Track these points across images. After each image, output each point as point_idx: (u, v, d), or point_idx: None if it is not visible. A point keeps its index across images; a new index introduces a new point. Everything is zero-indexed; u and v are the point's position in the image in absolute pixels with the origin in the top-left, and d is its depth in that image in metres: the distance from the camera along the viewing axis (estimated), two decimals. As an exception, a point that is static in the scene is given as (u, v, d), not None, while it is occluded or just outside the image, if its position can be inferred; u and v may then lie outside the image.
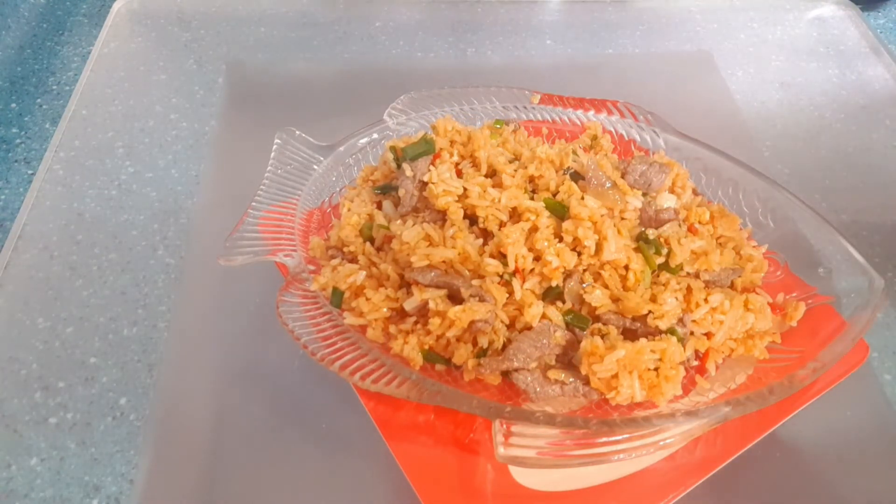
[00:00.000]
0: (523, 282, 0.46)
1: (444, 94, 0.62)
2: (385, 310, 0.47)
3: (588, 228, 0.46)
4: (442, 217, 0.49)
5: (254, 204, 0.52)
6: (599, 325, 0.45)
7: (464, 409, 0.40)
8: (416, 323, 0.46)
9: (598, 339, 0.43)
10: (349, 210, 0.52)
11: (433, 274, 0.46)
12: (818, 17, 0.95)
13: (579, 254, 0.46)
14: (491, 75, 0.85)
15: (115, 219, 0.64)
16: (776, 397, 0.41)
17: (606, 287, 0.46)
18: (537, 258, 0.46)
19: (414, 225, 0.48)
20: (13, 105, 1.52)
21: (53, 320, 0.56)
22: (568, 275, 0.47)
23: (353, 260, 0.50)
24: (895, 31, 1.86)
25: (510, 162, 0.52)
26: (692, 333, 0.46)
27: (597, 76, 0.85)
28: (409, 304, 0.46)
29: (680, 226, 0.50)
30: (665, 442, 0.39)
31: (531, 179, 0.51)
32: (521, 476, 0.43)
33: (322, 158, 0.57)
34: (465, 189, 0.49)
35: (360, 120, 0.59)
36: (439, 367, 0.45)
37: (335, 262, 0.50)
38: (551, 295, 0.46)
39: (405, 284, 0.48)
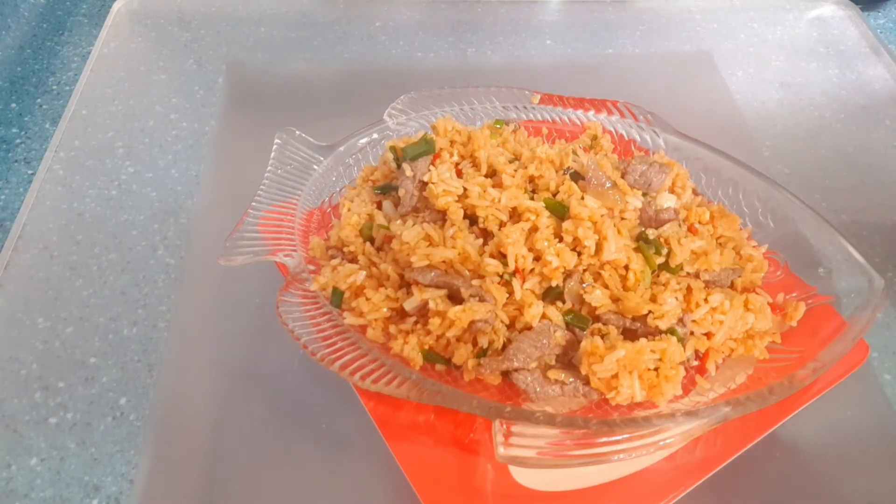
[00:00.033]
0: (523, 282, 0.46)
1: (444, 94, 0.62)
2: (385, 310, 0.47)
3: (588, 228, 0.46)
4: (442, 217, 0.49)
5: (254, 204, 0.52)
6: (599, 325, 0.45)
7: (464, 409, 0.40)
8: (416, 323, 0.46)
9: (598, 339, 0.43)
10: (349, 210, 0.52)
11: (433, 274, 0.46)
12: (818, 17, 0.95)
13: (579, 254, 0.46)
14: (491, 75, 0.85)
15: (115, 219, 0.64)
16: (776, 397, 0.41)
17: (606, 287, 0.46)
18: (537, 258, 0.46)
19: (414, 225, 0.48)
20: (13, 105, 1.52)
21: (53, 320, 0.56)
22: (568, 275, 0.47)
23: (353, 260, 0.50)
24: (895, 31, 1.86)
25: (510, 162, 0.52)
26: (692, 333, 0.46)
27: (597, 76, 0.85)
28: (409, 304, 0.46)
29: (680, 226, 0.50)
30: (665, 442, 0.39)
31: (531, 179, 0.51)
32: (521, 476, 0.43)
33: (322, 158, 0.57)
34: (465, 189, 0.49)
35: (360, 120, 0.59)
36: (439, 367, 0.45)
37: (335, 262, 0.50)
38: (551, 295, 0.46)
39: (405, 284, 0.48)
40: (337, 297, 0.47)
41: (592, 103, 0.62)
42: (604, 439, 0.39)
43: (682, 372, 0.43)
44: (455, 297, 0.46)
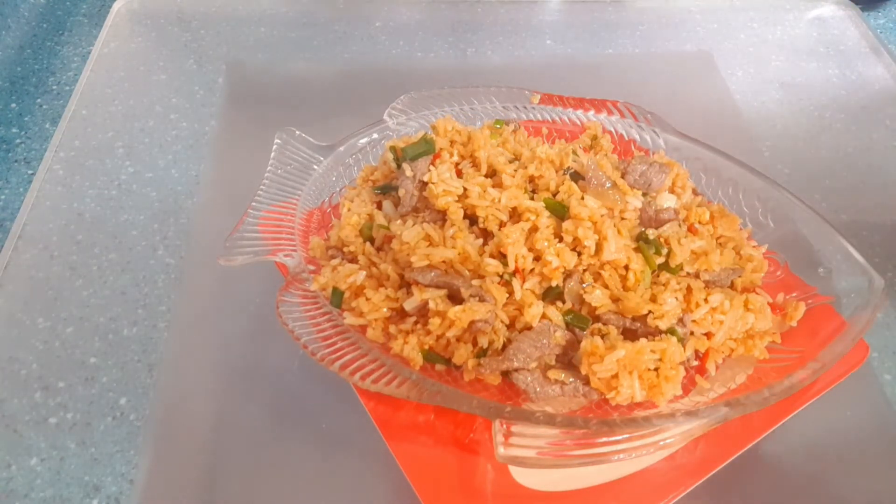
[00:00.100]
0: (523, 282, 0.46)
1: (444, 94, 0.62)
2: (385, 310, 0.47)
3: (588, 228, 0.46)
4: (442, 217, 0.49)
5: (254, 204, 0.52)
6: (599, 325, 0.45)
7: (464, 409, 0.40)
8: (416, 323, 0.46)
9: (598, 339, 0.43)
10: (349, 210, 0.52)
11: (433, 274, 0.46)
12: (818, 17, 0.95)
13: (579, 254, 0.46)
14: (491, 75, 0.85)
15: (115, 219, 0.64)
16: (776, 397, 0.41)
17: (606, 287, 0.46)
18: (537, 258, 0.46)
19: (414, 225, 0.48)
20: (13, 105, 1.52)
21: (53, 320, 0.56)
22: (568, 275, 0.47)
23: (353, 260, 0.50)
24: (895, 31, 1.86)
25: (510, 162, 0.52)
26: (692, 333, 0.46)
27: (597, 76, 0.85)
28: (409, 304, 0.46)
29: (680, 226, 0.50)
30: (665, 442, 0.39)
31: (531, 179, 0.51)
32: (521, 476, 0.43)
33: (322, 158, 0.57)
34: (465, 189, 0.49)
35: (360, 120, 0.59)
36: (439, 367, 0.45)
37: (335, 262, 0.50)
38: (551, 295, 0.46)
39: (405, 284, 0.48)
40: (337, 297, 0.47)
41: (592, 103, 0.62)
42: (604, 439, 0.39)
43: (682, 372, 0.43)
44: (455, 297, 0.46)
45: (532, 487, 0.43)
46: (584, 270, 0.47)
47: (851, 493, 0.48)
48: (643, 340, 0.43)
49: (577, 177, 0.50)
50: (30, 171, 1.39)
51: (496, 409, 0.40)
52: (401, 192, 0.51)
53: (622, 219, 0.49)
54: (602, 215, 0.47)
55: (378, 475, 0.47)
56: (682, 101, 0.80)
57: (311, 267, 0.50)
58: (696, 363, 0.46)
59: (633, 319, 0.45)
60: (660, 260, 0.48)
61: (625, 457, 0.39)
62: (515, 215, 0.48)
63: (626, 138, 0.60)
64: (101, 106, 0.76)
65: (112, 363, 0.54)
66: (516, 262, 0.46)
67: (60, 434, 0.50)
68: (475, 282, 0.46)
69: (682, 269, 0.48)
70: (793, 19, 0.95)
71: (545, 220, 0.47)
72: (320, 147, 0.57)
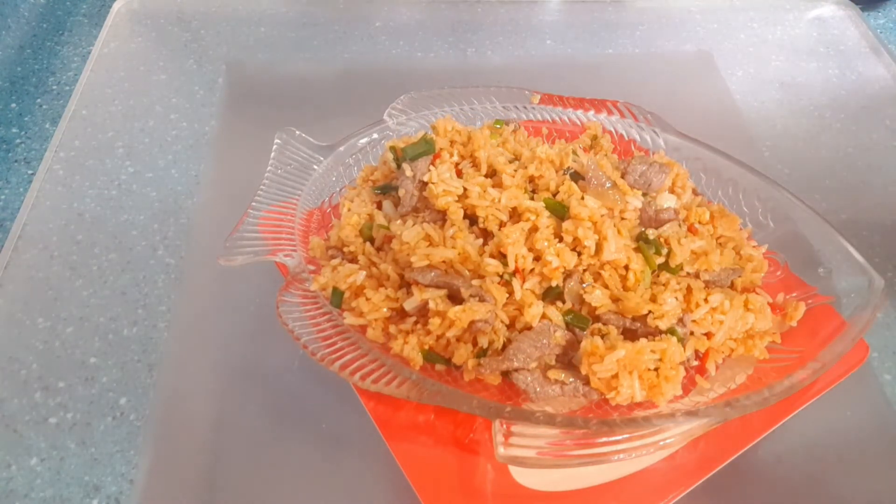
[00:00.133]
0: (523, 282, 0.46)
1: (444, 94, 0.62)
2: (385, 310, 0.47)
3: (588, 228, 0.46)
4: (442, 217, 0.49)
5: (254, 204, 0.52)
6: (599, 325, 0.45)
7: (464, 409, 0.40)
8: (416, 323, 0.46)
9: (598, 339, 0.43)
10: (349, 210, 0.52)
11: (433, 274, 0.46)
12: (818, 17, 0.95)
13: (579, 254, 0.46)
14: (491, 75, 0.85)
15: (115, 219, 0.64)
16: (776, 397, 0.41)
17: (606, 287, 0.46)
18: (537, 258, 0.46)
19: (414, 225, 0.48)
20: (13, 105, 1.52)
21: (53, 320, 0.56)
22: (568, 275, 0.47)
23: (353, 260, 0.50)
24: (895, 31, 1.86)
25: (510, 162, 0.52)
26: (692, 333, 0.46)
27: (597, 76, 0.85)
28: (409, 304, 0.46)
29: (680, 226, 0.50)
30: (665, 442, 0.39)
31: (531, 179, 0.51)
32: (521, 476, 0.43)
33: (322, 158, 0.57)
34: (465, 189, 0.49)
35: (360, 120, 0.59)
36: (439, 367, 0.45)
37: (335, 262, 0.50)
38: (551, 295, 0.46)
39: (405, 284, 0.48)
40: (337, 297, 0.47)
41: (592, 103, 0.62)
42: (604, 439, 0.39)
43: (682, 372, 0.43)
44: (455, 297, 0.46)
45: (532, 487, 0.43)
46: (584, 270, 0.47)
47: (851, 493, 0.48)
48: (643, 340, 0.43)
49: (577, 177, 0.50)
50: (30, 171, 1.39)
51: (496, 409, 0.40)
52: (401, 192, 0.51)
53: (622, 219, 0.49)
54: (602, 215, 0.47)
55: (378, 475, 0.47)
56: (682, 101, 0.80)
57: (311, 267, 0.50)
58: (696, 363, 0.46)
59: (633, 319, 0.45)
60: (660, 260, 0.48)
61: (625, 457, 0.39)
62: (515, 215, 0.48)
63: (626, 138, 0.60)
64: (101, 106, 0.76)
65: (112, 363, 0.54)
66: (516, 262, 0.46)
67: (60, 434, 0.50)
68: (475, 282, 0.46)
69: (682, 269, 0.48)
70: (793, 19, 0.95)
71: (545, 220, 0.47)
72: (320, 147, 0.57)
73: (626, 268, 0.47)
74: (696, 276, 0.48)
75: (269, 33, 0.88)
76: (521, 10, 0.94)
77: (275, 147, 0.56)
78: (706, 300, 0.46)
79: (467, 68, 0.85)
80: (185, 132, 0.73)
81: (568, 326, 0.45)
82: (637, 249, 0.48)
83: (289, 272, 0.49)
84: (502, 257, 0.46)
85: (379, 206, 0.53)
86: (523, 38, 0.90)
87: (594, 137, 0.59)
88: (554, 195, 0.49)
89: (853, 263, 0.49)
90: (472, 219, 0.49)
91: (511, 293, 0.45)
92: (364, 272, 0.48)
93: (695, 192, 0.55)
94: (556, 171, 0.51)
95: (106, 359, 0.54)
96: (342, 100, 0.78)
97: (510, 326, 0.45)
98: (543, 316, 0.45)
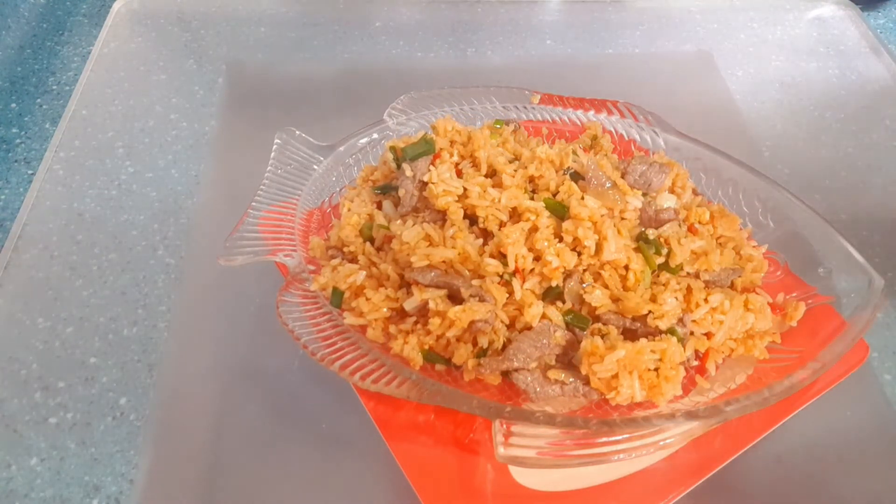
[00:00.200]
0: (523, 282, 0.46)
1: (444, 94, 0.62)
2: (385, 310, 0.47)
3: (588, 228, 0.46)
4: (442, 217, 0.49)
5: (254, 204, 0.52)
6: (599, 325, 0.45)
7: (464, 409, 0.40)
8: (416, 323, 0.46)
9: (598, 339, 0.43)
10: (349, 210, 0.52)
11: (433, 274, 0.46)
12: (818, 17, 0.95)
13: (579, 254, 0.46)
14: (491, 75, 0.85)
15: (115, 219, 0.64)
16: (776, 397, 0.41)
17: (606, 287, 0.46)
18: (537, 258, 0.46)
19: (414, 225, 0.48)
20: (13, 105, 1.52)
21: (53, 320, 0.56)
22: (568, 275, 0.47)
23: (353, 260, 0.50)
24: (895, 31, 1.86)
25: (510, 162, 0.52)
26: (692, 333, 0.46)
27: (597, 76, 0.85)
28: (409, 304, 0.46)
29: (680, 226, 0.50)
30: (665, 442, 0.39)
31: (531, 179, 0.51)
32: (521, 476, 0.43)
33: (322, 158, 0.57)
34: (465, 189, 0.49)
35: (360, 120, 0.59)
36: (439, 367, 0.45)
37: (335, 262, 0.50)
38: (551, 295, 0.46)
39: (405, 284, 0.48)
40: (337, 297, 0.47)
41: (592, 103, 0.62)
42: (604, 439, 0.39)
43: (682, 372, 0.43)
44: (455, 297, 0.46)
45: (532, 487, 0.43)
46: (584, 270, 0.47)
47: (851, 493, 0.48)
48: (643, 340, 0.43)
49: (577, 177, 0.50)
50: (30, 171, 1.39)
51: (496, 409, 0.40)
52: (401, 192, 0.51)
53: (622, 219, 0.49)
54: (602, 215, 0.47)
55: (378, 475, 0.47)
56: (682, 101, 0.80)
57: (311, 267, 0.50)
58: (696, 363, 0.46)
59: (633, 319, 0.45)
60: (660, 260, 0.48)
61: (625, 457, 0.39)
62: (515, 215, 0.48)
63: (626, 138, 0.60)
64: (101, 106, 0.76)
65: (112, 363, 0.53)
66: (516, 262, 0.46)
67: (60, 434, 0.50)
68: (475, 282, 0.46)
69: (682, 269, 0.48)
70: (793, 19, 0.95)
71: (545, 220, 0.47)
72: (320, 147, 0.57)
73: (626, 268, 0.47)
74: (696, 276, 0.48)
75: (269, 33, 0.88)
76: (521, 10, 0.94)
77: (275, 147, 0.56)
78: (706, 300, 0.46)
79: (467, 68, 0.85)
80: (185, 132, 0.73)
81: (568, 326, 0.45)
82: (637, 249, 0.48)
83: (289, 272, 0.49)
84: (502, 257, 0.46)
85: (379, 206, 0.53)
86: (523, 38, 0.90)
87: (594, 137, 0.59)
88: (554, 195, 0.49)
89: (853, 263, 0.49)
90: (472, 219, 0.49)
91: (511, 293, 0.45)
92: (364, 272, 0.48)
93: (695, 192, 0.55)
94: (556, 171, 0.51)
95: (106, 359, 0.54)
96: (342, 100, 0.78)
97: (510, 326, 0.45)
98: (543, 316, 0.45)
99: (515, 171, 0.51)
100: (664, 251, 0.48)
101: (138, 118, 0.75)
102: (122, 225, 0.64)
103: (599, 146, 0.58)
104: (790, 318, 0.49)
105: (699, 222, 0.52)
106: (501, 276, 0.46)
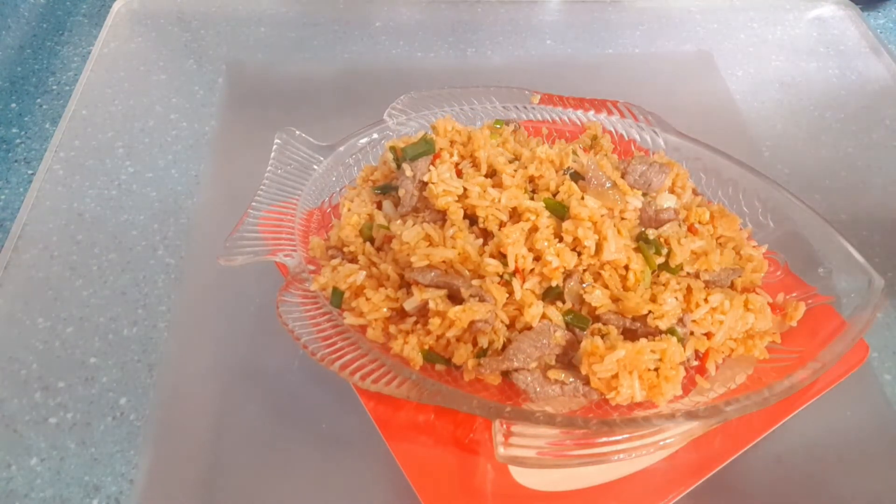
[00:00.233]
0: (523, 282, 0.46)
1: (444, 94, 0.62)
2: (385, 310, 0.47)
3: (588, 228, 0.46)
4: (442, 217, 0.49)
5: (254, 204, 0.52)
6: (599, 325, 0.45)
7: (464, 409, 0.40)
8: (416, 323, 0.46)
9: (598, 339, 0.43)
10: (349, 210, 0.52)
11: (433, 274, 0.46)
12: (818, 17, 0.95)
13: (579, 254, 0.46)
14: (491, 75, 0.85)
15: (115, 219, 0.64)
16: (776, 397, 0.41)
17: (606, 287, 0.46)
18: (537, 258, 0.46)
19: (414, 225, 0.48)
20: (13, 105, 1.52)
21: (53, 320, 0.56)
22: (568, 275, 0.47)
23: (353, 260, 0.50)
24: (895, 31, 1.86)
25: (510, 162, 0.52)
26: (692, 333, 0.46)
27: (597, 76, 0.85)
28: (409, 304, 0.46)
29: (680, 226, 0.50)
30: (665, 442, 0.39)
31: (531, 179, 0.51)
32: (521, 476, 0.43)
33: (322, 158, 0.57)
34: (465, 189, 0.49)
35: (360, 120, 0.59)
36: (439, 367, 0.45)
37: (335, 262, 0.50)
38: (551, 295, 0.46)
39: (405, 284, 0.48)
40: (337, 297, 0.47)
41: (592, 103, 0.62)
42: (604, 439, 0.39)
43: (682, 372, 0.43)
44: (455, 297, 0.46)
45: (532, 487, 0.43)
46: (584, 270, 0.47)
47: (851, 493, 0.48)
48: (643, 340, 0.43)
49: (577, 177, 0.50)
50: (30, 171, 1.39)
51: (496, 409, 0.40)
52: (401, 192, 0.51)
53: (622, 219, 0.49)
54: (602, 215, 0.47)
55: (378, 475, 0.47)
56: (682, 101, 0.80)
57: (311, 267, 0.50)
58: (696, 363, 0.46)
59: (633, 319, 0.45)
60: (660, 260, 0.48)
61: (625, 457, 0.39)
62: (515, 215, 0.48)
63: (626, 138, 0.60)
64: (101, 106, 0.76)
65: (112, 363, 0.53)
66: (516, 262, 0.46)
67: (60, 434, 0.50)
68: (475, 282, 0.46)
69: (682, 269, 0.48)
70: (793, 19, 0.95)
71: (545, 220, 0.47)
72: (320, 147, 0.57)
73: (626, 268, 0.47)
74: (696, 276, 0.48)
75: (269, 33, 0.88)
76: (521, 10, 0.94)
77: (275, 147, 0.56)
78: (706, 300, 0.46)
79: (467, 68, 0.85)
80: (185, 132, 0.73)
81: (568, 326, 0.45)
82: (637, 249, 0.48)
83: (289, 272, 0.49)
84: (502, 257, 0.46)
85: (379, 206, 0.53)
86: (523, 38, 0.90)
87: (594, 137, 0.59)
88: (554, 195, 0.49)
89: (853, 263, 0.49)
90: (472, 219, 0.49)
91: (511, 293, 0.45)
92: (364, 272, 0.48)
93: (695, 192, 0.55)
94: (556, 171, 0.51)
95: (106, 359, 0.54)
96: (342, 100, 0.78)
97: (510, 326, 0.45)
98: (543, 316, 0.45)
99: (515, 171, 0.51)
100: (664, 251, 0.48)
101: (138, 118, 0.75)
102: (122, 225, 0.64)
103: (599, 146, 0.58)
104: (790, 318, 0.49)
105: (699, 222, 0.52)
106: (501, 276, 0.46)
